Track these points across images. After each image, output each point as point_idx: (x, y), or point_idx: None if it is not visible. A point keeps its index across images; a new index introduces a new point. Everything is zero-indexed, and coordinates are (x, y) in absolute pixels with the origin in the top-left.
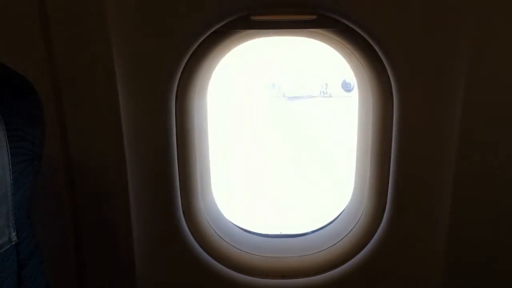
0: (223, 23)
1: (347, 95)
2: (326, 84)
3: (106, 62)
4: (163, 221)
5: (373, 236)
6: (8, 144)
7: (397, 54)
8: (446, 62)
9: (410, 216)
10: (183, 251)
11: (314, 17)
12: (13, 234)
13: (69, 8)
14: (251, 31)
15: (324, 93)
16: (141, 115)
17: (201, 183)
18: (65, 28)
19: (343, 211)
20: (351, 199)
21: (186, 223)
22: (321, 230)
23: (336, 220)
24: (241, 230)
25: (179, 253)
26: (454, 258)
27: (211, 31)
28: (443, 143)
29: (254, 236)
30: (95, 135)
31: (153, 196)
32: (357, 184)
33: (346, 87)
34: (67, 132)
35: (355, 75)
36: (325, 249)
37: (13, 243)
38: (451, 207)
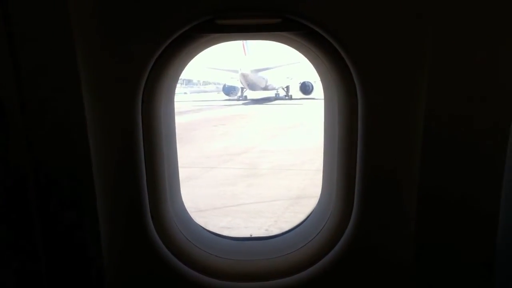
0: (188, 27)
1: (306, 97)
2: (287, 87)
3: (70, 66)
4: (131, 226)
5: (342, 235)
6: None
7: (361, 57)
8: (409, 63)
9: (377, 214)
10: (151, 256)
11: (279, 20)
12: None
13: (33, 11)
14: (217, 35)
15: (285, 96)
16: (107, 119)
17: (170, 187)
18: (30, 35)
19: (312, 212)
20: (319, 200)
21: (155, 227)
22: (291, 232)
23: (305, 222)
24: (210, 234)
25: (148, 258)
26: (423, 252)
27: (177, 35)
28: (408, 141)
29: (224, 239)
30: (60, 141)
31: (121, 200)
32: (325, 185)
33: (304, 89)
34: (32, 138)
35: (320, 77)
36: (295, 250)
37: None
38: (417, 202)
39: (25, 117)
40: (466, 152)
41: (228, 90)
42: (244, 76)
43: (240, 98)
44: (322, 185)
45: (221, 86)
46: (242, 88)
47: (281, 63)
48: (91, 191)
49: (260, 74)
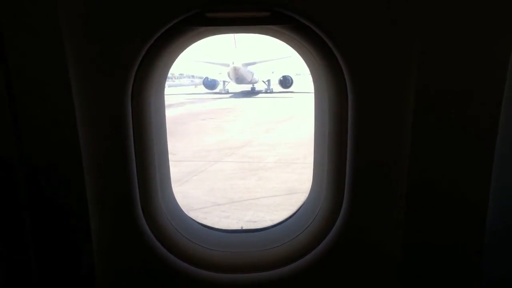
0: (177, 20)
1: (284, 90)
2: (268, 81)
3: (58, 60)
4: (122, 218)
5: (332, 227)
6: None
7: (350, 50)
8: (399, 58)
9: (367, 206)
10: (142, 248)
11: (268, 13)
12: None
13: (21, 13)
14: (206, 28)
15: (267, 90)
16: (97, 113)
17: (160, 180)
18: (19, 29)
19: (302, 205)
20: (310, 193)
21: (145, 220)
22: (281, 225)
23: (295, 214)
24: (201, 226)
25: (139, 250)
26: (412, 244)
27: (166, 28)
28: (397, 136)
29: (214, 231)
30: (50, 135)
31: (112, 194)
32: (316, 178)
33: (284, 83)
34: (21, 132)
35: (310, 70)
36: (285, 242)
37: None
38: (407, 195)
39: (14, 112)
40: (455, 147)
41: (209, 84)
42: (236, 69)
43: (223, 92)
44: (313, 178)
45: (196, 80)
46: (224, 82)
47: (272, 57)
48: (81, 185)
49: (249, 68)
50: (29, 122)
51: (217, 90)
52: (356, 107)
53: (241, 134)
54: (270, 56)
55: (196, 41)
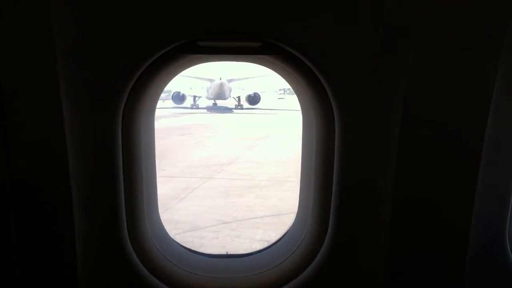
0: (170, 47)
1: (252, 107)
2: (239, 97)
3: (51, 82)
4: (107, 240)
5: (317, 254)
6: None
7: (339, 81)
8: (385, 86)
9: (353, 230)
10: (127, 271)
11: (259, 44)
12: None
13: (14, 20)
14: (198, 55)
15: (237, 106)
16: (87, 134)
17: (147, 202)
18: (11, 46)
19: (288, 231)
20: (295, 219)
21: (131, 242)
22: (266, 250)
23: (281, 240)
24: (186, 251)
25: (123, 273)
26: (396, 266)
27: (159, 54)
28: (383, 164)
29: (200, 256)
30: (40, 153)
31: (98, 214)
32: (302, 203)
33: (252, 100)
34: (12, 150)
35: (298, 98)
36: (271, 268)
37: None
38: (391, 217)
39: (4, 131)
40: (440, 168)
41: (178, 98)
42: (222, 85)
43: (194, 107)
44: (299, 203)
45: (162, 95)
46: (195, 97)
47: (252, 75)
48: (68, 204)
49: (230, 84)
50: (19, 139)
51: (186, 105)
52: (343, 135)
53: (224, 151)
54: (250, 74)
55: (188, 67)
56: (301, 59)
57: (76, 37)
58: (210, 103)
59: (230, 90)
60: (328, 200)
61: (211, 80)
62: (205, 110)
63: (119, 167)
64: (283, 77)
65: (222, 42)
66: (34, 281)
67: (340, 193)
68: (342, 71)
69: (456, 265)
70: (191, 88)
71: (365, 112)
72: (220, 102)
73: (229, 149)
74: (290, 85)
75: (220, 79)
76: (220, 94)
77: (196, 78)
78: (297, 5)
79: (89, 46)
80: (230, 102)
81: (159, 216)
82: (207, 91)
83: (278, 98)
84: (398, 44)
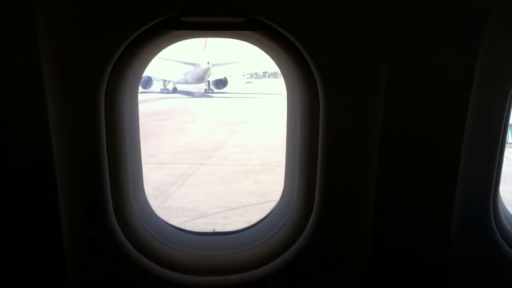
0: (153, 23)
1: (219, 91)
2: (209, 82)
3: (32, 61)
4: (93, 219)
5: (302, 232)
6: None
7: (322, 57)
8: (369, 65)
9: (337, 212)
10: (113, 249)
11: (243, 19)
12: None
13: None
14: (181, 31)
15: (207, 90)
16: (70, 114)
17: (133, 181)
18: None
19: (273, 208)
20: (281, 197)
21: (117, 221)
22: (252, 228)
23: (267, 218)
24: (173, 228)
25: (110, 251)
26: (379, 251)
27: (141, 30)
28: (367, 142)
29: (186, 234)
30: (22, 133)
31: (83, 194)
32: (287, 182)
33: (218, 84)
34: None
35: (283, 76)
36: (256, 245)
37: None
38: (374, 203)
39: None
40: (422, 158)
41: (146, 82)
42: (207, 70)
43: (164, 91)
44: (284, 181)
45: None
46: (165, 81)
47: (236, 60)
48: (53, 185)
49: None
50: (1, 123)
51: (153, 89)
52: (327, 112)
53: (208, 136)
54: (233, 58)
55: (171, 44)
56: (286, 35)
57: (56, 16)
58: (181, 88)
59: (210, 75)
60: (313, 177)
61: (195, 65)
62: (175, 95)
63: (103, 145)
64: (267, 53)
65: (206, 17)
66: (20, 262)
67: (325, 171)
68: (327, 48)
69: (439, 258)
70: (160, 72)
71: (349, 88)
72: (183, 87)
73: (213, 134)
74: (275, 61)
75: (208, 63)
76: (202, 78)
77: (178, 62)
78: None
79: (68, 24)
80: (193, 87)
81: (145, 195)
82: (185, 75)
83: (246, 83)
84: (382, 21)
